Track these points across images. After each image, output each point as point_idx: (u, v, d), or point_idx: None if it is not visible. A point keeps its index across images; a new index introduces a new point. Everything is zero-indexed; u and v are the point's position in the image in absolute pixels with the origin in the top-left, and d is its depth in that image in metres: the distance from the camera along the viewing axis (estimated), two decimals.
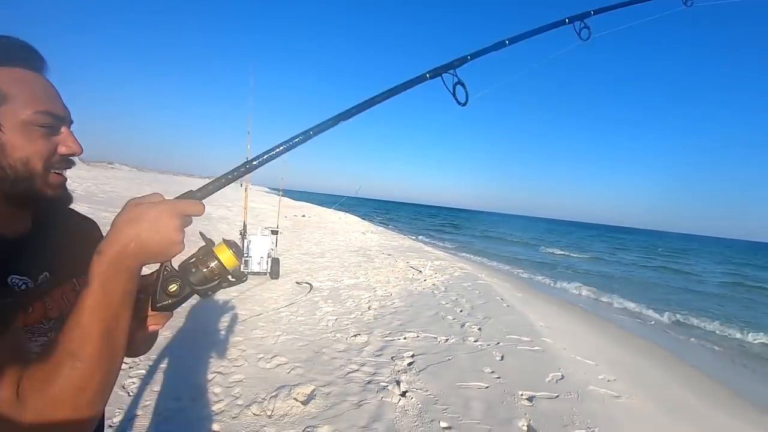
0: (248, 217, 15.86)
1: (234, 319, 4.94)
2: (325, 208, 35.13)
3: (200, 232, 0.79)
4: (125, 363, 3.32)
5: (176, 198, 0.68)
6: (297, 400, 3.14)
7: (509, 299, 7.46)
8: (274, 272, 7.11)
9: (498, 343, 4.77)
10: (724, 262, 36.78)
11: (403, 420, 3.01)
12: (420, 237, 24.92)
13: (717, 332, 8.81)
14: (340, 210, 32.20)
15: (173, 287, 0.68)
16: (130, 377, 3.25)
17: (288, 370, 3.65)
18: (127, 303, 0.63)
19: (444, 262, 11.10)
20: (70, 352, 0.57)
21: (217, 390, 3.24)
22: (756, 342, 8.36)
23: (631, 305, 10.39)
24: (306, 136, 0.86)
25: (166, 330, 4.32)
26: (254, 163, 0.82)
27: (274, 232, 8.02)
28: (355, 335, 4.72)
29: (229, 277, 0.72)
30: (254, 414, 2.91)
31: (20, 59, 0.67)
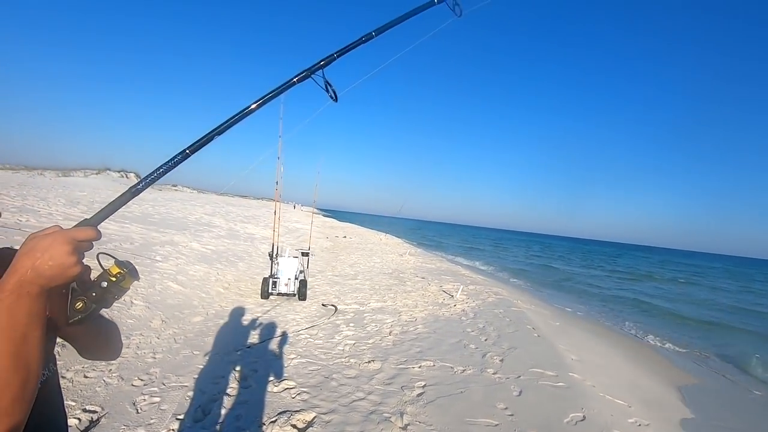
0: (291, 237, 16.31)
1: (253, 340, 5.07)
2: (367, 229, 35.49)
3: (97, 256, 0.86)
4: (140, 380, 3.48)
5: (73, 227, 0.76)
6: (295, 427, 3.14)
7: (542, 328, 7.07)
8: (302, 294, 7.24)
9: (519, 376, 4.52)
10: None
11: None
12: (457, 259, 24.36)
13: None
14: (382, 231, 32.37)
15: (79, 304, 0.79)
16: (143, 395, 3.40)
17: (294, 395, 3.67)
18: (34, 323, 0.71)
19: (479, 287, 10.76)
20: None
21: (222, 411, 3.31)
22: None
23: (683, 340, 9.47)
24: (184, 155, 0.92)
25: (186, 349, 4.51)
26: (139, 187, 0.89)
27: (305, 254, 8.21)
28: (369, 361, 4.67)
29: (113, 280, 0.81)
30: None
31: None
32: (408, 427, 3.27)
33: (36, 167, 26.26)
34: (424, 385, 4.10)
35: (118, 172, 35.24)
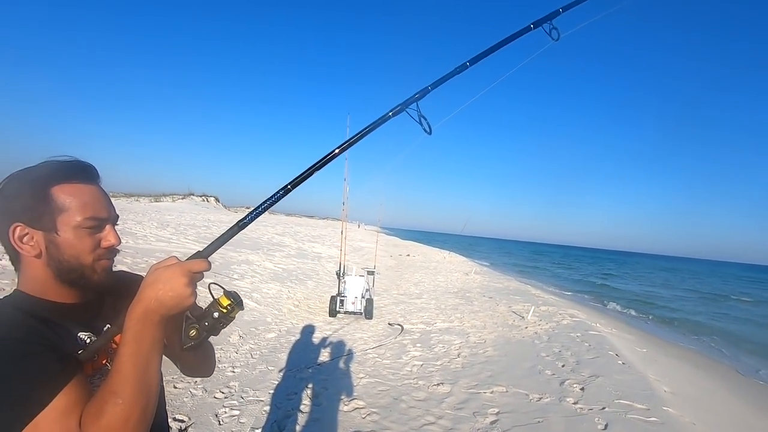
0: (356, 256, 16.66)
1: (323, 358, 5.18)
2: (430, 247, 35.22)
3: (209, 286, 0.94)
4: (221, 393, 3.69)
5: (187, 258, 0.84)
6: None
7: (627, 355, 6.45)
8: (368, 312, 7.31)
9: (603, 408, 4.14)
10: None
11: None
12: (528, 279, 23.15)
13: None
14: (445, 249, 31.91)
15: (193, 332, 0.87)
16: (224, 407, 3.60)
17: (364, 415, 3.67)
18: (155, 349, 0.79)
19: (552, 308, 10.14)
20: (112, 392, 0.73)
21: (296, 428, 3.40)
22: None
23: None
24: (285, 190, 0.96)
25: (261, 364, 4.72)
26: (245, 221, 0.95)
27: (370, 273, 8.31)
28: (438, 384, 4.56)
29: (223, 311, 0.87)
30: None
31: (78, 176, 0.87)
32: None
33: (133, 194, 29.54)
34: (498, 412, 3.91)
35: (200, 196, 38.42)
